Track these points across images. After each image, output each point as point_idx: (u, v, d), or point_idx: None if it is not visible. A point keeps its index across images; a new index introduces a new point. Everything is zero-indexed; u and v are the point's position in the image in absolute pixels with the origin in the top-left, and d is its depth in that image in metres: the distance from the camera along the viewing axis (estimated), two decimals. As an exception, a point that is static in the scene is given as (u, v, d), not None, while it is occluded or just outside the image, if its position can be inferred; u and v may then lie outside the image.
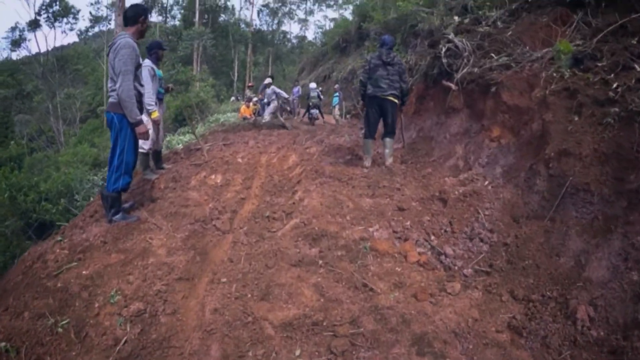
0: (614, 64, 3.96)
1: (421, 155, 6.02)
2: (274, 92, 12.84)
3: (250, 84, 23.70)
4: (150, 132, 5.58)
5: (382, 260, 3.39)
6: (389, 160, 5.76)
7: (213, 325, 2.75)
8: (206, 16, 39.79)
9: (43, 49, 38.26)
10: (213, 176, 5.84)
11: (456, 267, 3.31)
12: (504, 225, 3.58)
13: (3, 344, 2.67)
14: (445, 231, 3.73)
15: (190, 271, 3.39)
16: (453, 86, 5.67)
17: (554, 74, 4.50)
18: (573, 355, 2.51)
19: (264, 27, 52.19)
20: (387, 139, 5.81)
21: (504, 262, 3.27)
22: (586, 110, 3.70)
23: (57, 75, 33.55)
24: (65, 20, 37.31)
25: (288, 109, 19.63)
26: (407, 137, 6.79)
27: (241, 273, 3.26)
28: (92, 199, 7.80)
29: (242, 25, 46.28)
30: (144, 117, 5.45)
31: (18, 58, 41.12)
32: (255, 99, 15.79)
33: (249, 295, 2.99)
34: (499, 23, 6.55)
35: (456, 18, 7.75)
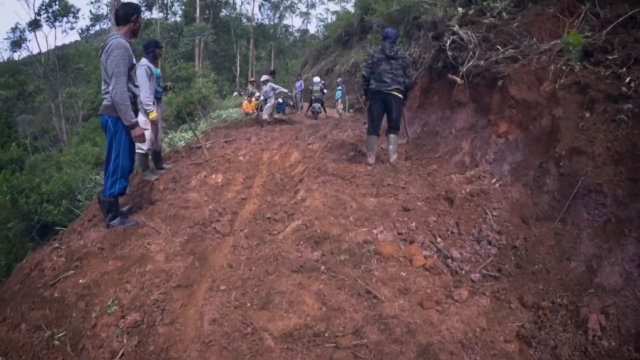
0: (626, 57, 3.80)
1: (426, 151, 5.87)
2: (272, 89, 12.68)
3: (252, 79, 23.59)
4: (149, 132, 5.49)
5: (387, 264, 3.27)
6: (394, 157, 5.62)
7: (211, 337, 2.66)
8: (207, 11, 39.58)
9: (44, 49, 38.31)
10: (214, 175, 5.74)
11: (463, 272, 3.19)
12: (513, 227, 3.44)
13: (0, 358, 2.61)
14: (452, 233, 3.60)
15: (189, 278, 3.29)
16: (458, 80, 5.51)
17: (563, 67, 4.34)
18: (584, 366, 2.39)
19: (266, 21, 51.97)
20: (391, 135, 5.67)
21: (512, 266, 3.14)
22: (598, 106, 3.54)
23: (59, 75, 33.49)
24: (65, 19, 37.21)
25: (291, 103, 19.54)
26: (412, 132, 6.64)
27: (241, 280, 3.16)
28: (94, 198, 7.74)
29: (244, 20, 46.06)
30: (142, 117, 5.35)
31: (19, 58, 41.26)
32: (257, 94, 15.68)
33: (249, 304, 2.88)
34: (504, 14, 6.37)
35: (460, 9, 7.57)
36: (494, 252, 3.29)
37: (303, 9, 57.03)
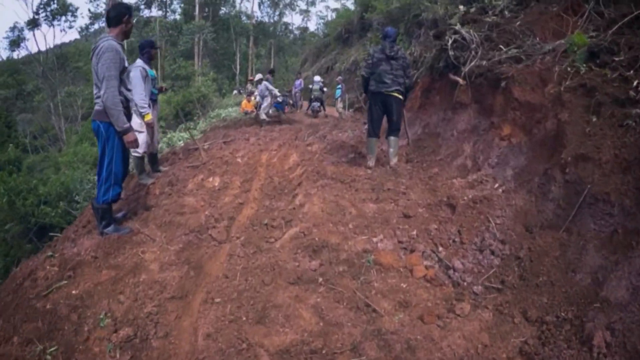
0: (633, 59, 3.68)
1: (427, 154, 5.77)
2: (267, 88, 12.55)
3: (251, 78, 23.45)
4: (144, 135, 5.40)
5: (387, 275, 3.17)
6: (394, 160, 5.52)
7: (205, 353, 2.56)
8: (206, 9, 39.41)
9: (43, 48, 38.20)
10: (211, 179, 5.65)
11: (465, 283, 3.08)
12: (517, 236, 3.34)
13: (-7, 373, 2.54)
14: (454, 241, 3.50)
15: (183, 288, 3.20)
16: (461, 81, 5.40)
17: (569, 69, 4.23)
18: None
19: (266, 19, 51.78)
20: (392, 138, 5.56)
21: (516, 277, 3.03)
22: (605, 111, 3.43)
23: (58, 74, 33.38)
24: (63, 18, 37.07)
25: (291, 102, 19.45)
26: (412, 134, 6.54)
27: (236, 291, 3.06)
28: (89, 202, 7.65)
29: (243, 18, 45.85)
30: (137, 120, 5.25)
31: (18, 57, 41.13)
32: (256, 92, 15.56)
33: (244, 318, 2.79)
34: (506, 12, 6.27)
35: (461, 7, 7.46)
36: (497, 263, 3.19)
37: (303, 6, 57.01)
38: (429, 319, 2.71)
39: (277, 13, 52.15)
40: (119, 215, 4.38)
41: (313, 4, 59.73)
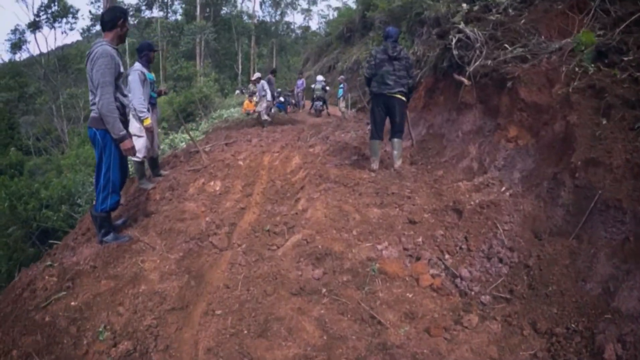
0: (643, 60, 3.59)
1: (432, 155, 5.68)
2: (263, 88, 12.44)
3: (253, 78, 23.39)
4: (144, 139, 5.33)
5: (392, 284, 3.08)
6: (398, 163, 5.42)
7: (206, 369, 2.49)
8: (208, 9, 39.32)
9: (44, 50, 38.23)
10: (212, 183, 5.57)
11: (473, 293, 2.99)
12: (525, 243, 3.24)
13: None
14: (461, 248, 3.41)
15: (184, 299, 3.12)
16: (466, 81, 5.30)
17: (576, 69, 4.13)
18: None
19: (267, 19, 51.68)
20: (396, 140, 5.46)
21: (525, 287, 2.94)
22: (615, 113, 3.33)
23: (60, 76, 33.37)
24: (64, 20, 37.04)
25: (293, 102, 19.40)
26: (416, 134, 6.44)
27: (238, 302, 2.98)
28: (89, 209, 7.61)
29: (245, 17, 45.71)
30: (136, 125, 5.18)
31: (20, 60, 41.13)
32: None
33: (245, 331, 2.71)
34: (510, 10, 6.16)
35: (464, 5, 7.36)
36: (505, 271, 3.09)
37: (304, 5, 56.73)
38: (436, 332, 2.63)
39: (278, 12, 52.11)
40: (119, 222, 4.32)
41: (314, 3, 59.58)
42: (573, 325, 2.60)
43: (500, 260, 3.16)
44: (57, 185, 9.94)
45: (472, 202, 3.86)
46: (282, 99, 17.36)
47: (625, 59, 3.83)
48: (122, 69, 3.64)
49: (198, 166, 6.40)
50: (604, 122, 3.41)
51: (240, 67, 40.73)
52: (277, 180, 5.67)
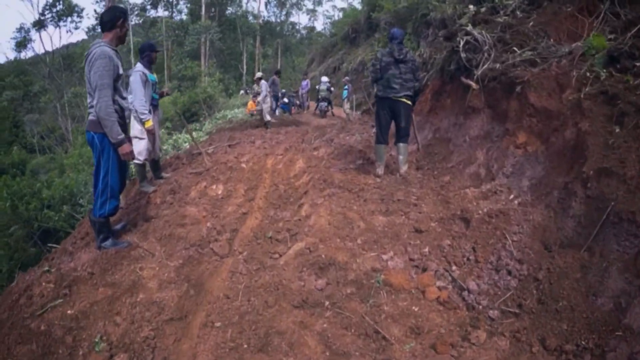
0: (657, 66, 3.47)
1: (438, 160, 5.57)
2: (264, 88, 12.33)
3: (255, 78, 23.36)
4: (145, 142, 5.25)
5: (397, 297, 2.98)
6: (404, 168, 5.32)
7: (204, 385, 2.40)
8: (213, 9, 39.34)
9: (49, 49, 38.38)
10: (214, 186, 5.49)
11: (480, 307, 2.88)
12: (535, 255, 3.13)
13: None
14: (468, 259, 3.30)
15: (182, 309, 3.04)
16: (474, 85, 5.18)
17: (587, 74, 4.02)
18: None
19: (272, 19, 51.71)
20: (401, 144, 5.35)
21: (534, 301, 2.83)
22: (629, 121, 3.22)
23: (64, 74, 33.44)
24: (69, 19, 37.15)
25: (298, 102, 19.34)
26: (422, 138, 6.33)
27: (238, 314, 2.89)
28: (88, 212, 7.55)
29: (250, 18, 45.75)
30: (138, 127, 5.10)
31: (25, 58, 41.30)
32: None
33: (245, 346, 2.61)
34: (518, 12, 6.05)
35: (471, 7, 7.25)
36: (514, 285, 2.98)
37: (309, 6, 56.86)
38: (442, 349, 2.52)
39: (283, 13, 52.10)
40: (118, 226, 4.24)
41: (320, 3, 59.85)
42: (583, 342, 2.50)
43: (509, 273, 3.06)
44: (59, 185, 9.89)
45: (480, 211, 3.76)
46: (286, 99, 17.30)
47: (638, 64, 3.72)
48: (121, 71, 3.55)
49: (200, 169, 6.32)
50: (617, 130, 3.30)
51: (245, 67, 40.69)
52: (280, 185, 5.58)
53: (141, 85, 5.02)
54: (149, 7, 42.91)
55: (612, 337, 2.43)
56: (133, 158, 3.74)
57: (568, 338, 2.56)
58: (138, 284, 3.30)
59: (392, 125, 5.50)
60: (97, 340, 2.79)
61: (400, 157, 5.33)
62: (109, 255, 3.64)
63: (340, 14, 47.86)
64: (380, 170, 5.34)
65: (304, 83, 19.83)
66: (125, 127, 3.69)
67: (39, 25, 35.55)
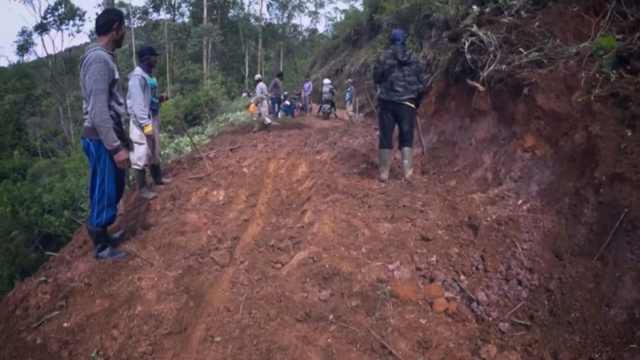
0: (668, 67, 3.36)
1: (444, 164, 5.46)
2: (260, 91, 12.24)
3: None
4: (145, 147, 5.17)
5: (404, 309, 2.87)
6: (409, 172, 5.20)
7: (203, 404, 2.30)
8: (215, 12, 39.34)
9: (51, 52, 38.47)
10: (215, 192, 5.39)
11: (490, 319, 2.76)
12: (546, 264, 3.01)
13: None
14: (477, 269, 3.18)
15: (181, 322, 2.94)
16: (480, 87, 5.07)
17: (597, 75, 3.91)
18: None
19: (274, 21, 51.73)
20: (406, 149, 5.24)
21: (546, 312, 2.71)
22: (642, 124, 3.11)
23: (66, 78, 33.53)
24: (71, 22, 37.26)
25: (300, 105, 19.28)
26: (427, 141, 6.22)
27: (239, 328, 2.79)
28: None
29: (252, 20, 45.73)
30: (137, 132, 5.02)
31: (27, 62, 41.41)
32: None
33: (246, 363, 2.51)
34: (522, 13, 5.96)
35: (475, 7, 7.16)
36: (525, 295, 2.86)
37: (311, 8, 56.59)
38: (452, 365, 2.41)
39: (285, 15, 52.07)
40: (116, 235, 4.14)
41: (322, 5, 59.67)
42: (596, 356, 2.38)
43: (520, 283, 2.94)
44: (60, 190, 9.84)
45: (488, 218, 3.64)
46: (288, 102, 17.23)
47: (649, 65, 3.62)
48: (117, 75, 3.44)
49: (201, 174, 6.23)
50: (629, 133, 3.19)
51: (247, 69, 40.67)
52: (283, 190, 5.48)
53: (140, 89, 4.94)
54: (151, 10, 43.01)
55: (626, 350, 2.31)
56: (129, 166, 3.64)
57: (581, 351, 2.45)
58: (136, 295, 3.20)
59: (396, 128, 5.39)
60: (93, 355, 2.69)
61: (405, 161, 5.22)
62: (106, 265, 3.55)
63: (342, 16, 47.81)
64: (384, 175, 5.23)
65: (306, 85, 19.77)
66: (121, 134, 3.58)
67: (41, 28, 35.69)
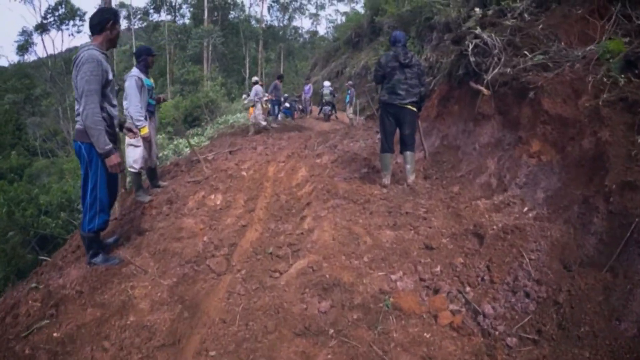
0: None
1: (447, 169, 5.34)
2: (255, 93, 12.14)
3: (260, 83, 23.20)
4: (141, 149, 5.06)
5: (407, 323, 2.75)
6: (411, 177, 5.09)
7: None
8: (216, 13, 39.27)
9: (51, 52, 38.41)
10: (213, 196, 5.28)
11: (497, 333, 2.65)
12: (554, 275, 2.89)
13: None
14: (483, 280, 3.06)
15: (175, 333, 2.82)
16: (485, 91, 4.96)
17: (604, 79, 3.81)
18: None
19: (275, 23, 51.74)
20: (408, 153, 5.12)
21: (554, 326, 2.59)
22: (652, 131, 3.00)
23: (66, 78, 33.46)
24: (72, 22, 37.23)
25: (300, 107, 19.21)
26: (429, 145, 6.11)
27: (234, 341, 2.67)
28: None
29: (253, 22, 45.67)
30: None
31: (27, 62, 41.36)
32: (265, 98, 15.24)
33: (242, 379, 2.40)
34: (526, 15, 5.86)
35: (477, 10, 7.06)
36: (533, 308, 2.75)
37: (312, 10, 56.63)
38: (459, 382, 2.30)
39: (286, 17, 52.10)
40: (110, 240, 4.02)
41: (322, 7, 59.61)
42: (606, 371, 2.28)
43: (527, 295, 2.83)
44: (57, 191, 9.74)
45: (494, 226, 3.52)
46: (287, 104, 17.15)
47: (655, 70, 3.52)
48: (110, 76, 3.31)
49: (199, 177, 6.12)
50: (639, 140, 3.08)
51: (247, 71, 40.55)
52: (282, 194, 5.37)
53: (137, 90, 4.83)
54: (151, 11, 42.96)
55: (637, 366, 2.21)
56: (121, 170, 3.52)
57: (591, 368, 2.34)
58: (129, 304, 3.09)
59: (398, 132, 5.28)
60: (83, 368, 2.58)
61: (408, 166, 5.11)
62: (99, 273, 3.44)
63: (343, 18, 47.79)
64: (386, 180, 5.12)
65: (306, 87, 19.70)
66: (114, 137, 3.46)
67: (41, 28, 35.66)
